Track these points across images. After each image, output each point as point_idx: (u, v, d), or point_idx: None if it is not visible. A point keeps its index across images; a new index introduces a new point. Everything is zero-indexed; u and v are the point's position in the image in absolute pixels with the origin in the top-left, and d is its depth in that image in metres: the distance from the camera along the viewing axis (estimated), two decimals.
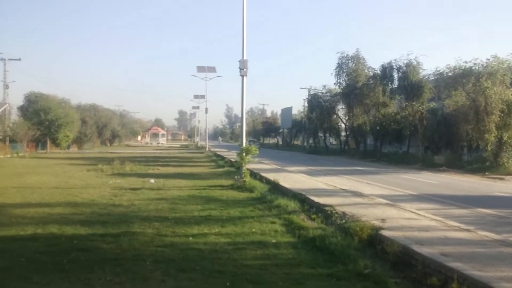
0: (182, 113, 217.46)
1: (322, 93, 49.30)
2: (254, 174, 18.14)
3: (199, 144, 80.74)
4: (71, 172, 21.16)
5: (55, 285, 5.24)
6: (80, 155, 39.52)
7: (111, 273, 5.68)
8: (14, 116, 47.20)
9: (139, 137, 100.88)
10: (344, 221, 8.81)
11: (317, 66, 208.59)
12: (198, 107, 77.32)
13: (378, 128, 39.35)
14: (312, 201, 11.39)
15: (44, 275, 5.54)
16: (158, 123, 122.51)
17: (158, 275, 5.67)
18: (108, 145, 71.32)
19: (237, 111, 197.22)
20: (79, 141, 54.19)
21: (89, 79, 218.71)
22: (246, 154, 16.31)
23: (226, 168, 24.79)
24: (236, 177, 16.44)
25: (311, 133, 57.37)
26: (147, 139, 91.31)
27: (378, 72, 39.00)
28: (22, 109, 44.59)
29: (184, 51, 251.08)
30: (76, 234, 7.88)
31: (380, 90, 38.03)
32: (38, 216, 9.48)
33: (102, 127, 64.36)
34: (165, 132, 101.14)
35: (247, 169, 16.61)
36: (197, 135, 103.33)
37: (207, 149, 54.26)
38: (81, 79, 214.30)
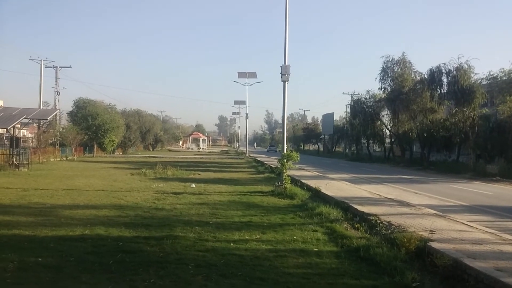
0: (222, 119, 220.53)
1: (366, 98, 48.29)
2: (295, 181, 17.97)
3: (239, 150, 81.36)
4: (116, 175, 21.87)
5: (102, 285, 5.35)
6: (125, 159, 40.84)
7: (155, 276, 5.74)
8: (64, 121, 49.70)
9: (181, 142, 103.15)
10: (389, 231, 8.48)
11: (359, 71, 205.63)
12: (238, 113, 78.09)
13: (425, 135, 37.94)
14: (356, 209, 11.09)
15: (92, 275, 5.69)
16: (199, 128, 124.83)
17: (200, 280, 5.67)
18: (151, 149, 73.39)
19: (277, 116, 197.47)
20: (123, 145, 56.11)
21: (134, 85, 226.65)
22: (287, 161, 16.17)
23: (266, 174, 24.76)
24: (276, 183, 16.35)
25: (354, 139, 56.36)
26: (188, 144, 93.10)
27: (426, 76, 37.61)
28: (71, 115, 46.82)
29: (226, 56, 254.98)
30: (121, 236, 8.07)
31: (427, 95, 36.65)
32: (85, 218, 9.81)
33: (145, 132, 66.36)
34: (205, 138, 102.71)
35: (288, 175, 16.46)
36: (237, 141, 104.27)
37: (247, 155, 54.54)
38: (126, 85, 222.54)
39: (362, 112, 47.15)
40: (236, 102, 68.46)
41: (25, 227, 8.53)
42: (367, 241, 7.85)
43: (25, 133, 47.97)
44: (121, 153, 54.47)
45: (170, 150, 78.69)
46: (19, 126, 27.70)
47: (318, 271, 6.23)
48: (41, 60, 45.46)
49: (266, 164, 32.82)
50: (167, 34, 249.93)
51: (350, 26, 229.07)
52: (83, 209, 10.97)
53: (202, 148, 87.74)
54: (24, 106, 28.17)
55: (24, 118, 24.37)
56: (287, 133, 18.26)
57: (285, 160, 16.16)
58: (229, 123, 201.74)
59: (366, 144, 56.54)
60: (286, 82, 17.15)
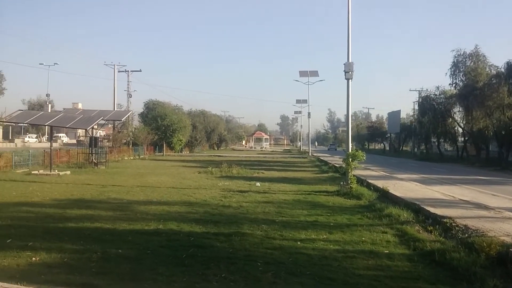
0: (284, 118, 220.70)
1: (435, 94, 45.80)
2: (360, 181, 17.53)
3: (301, 149, 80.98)
4: (185, 173, 22.77)
5: (177, 277, 5.63)
6: (191, 158, 42.36)
7: (225, 271, 5.92)
8: (136, 122, 52.60)
9: (244, 142, 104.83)
10: (466, 235, 8.00)
11: (428, 67, 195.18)
12: (300, 112, 77.97)
13: (503, 133, 35.21)
14: (428, 211, 10.58)
15: (167, 268, 6.00)
16: (261, 128, 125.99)
17: (269, 277, 5.75)
18: (216, 148, 75.39)
19: (339, 115, 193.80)
20: (190, 144, 58.22)
21: (199, 87, 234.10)
22: (352, 160, 15.82)
23: (330, 174, 24.41)
24: (341, 183, 16.06)
25: (422, 138, 53.68)
26: (251, 144, 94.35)
27: (503, 70, 34.90)
28: (142, 116, 49.49)
29: (287, 55, 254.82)
30: (192, 231, 8.41)
31: (505, 90, 33.96)
32: (158, 213, 10.34)
33: (210, 132, 68.32)
34: (268, 137, 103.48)
35: (353, 175, 16.11)
36: (299, 140, 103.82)
37: (310, 154, 54.11)
38: (192, 87, 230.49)
39: (432, 109, 44.79)
40: (298, 101, 68.38)
41: (105, 221, 9.19)
42: (442, 245, 7.46)
43: (101, 133, 51.47)
44: (188, 152, 56.54)
45: (233, 149, 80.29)
46: (96, 127, 29.76)
47: (389, 274, 6.04)
48: (114, 65, 48.55)
49: (330, 163, 32.34)
50: (229, 36, 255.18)
51: (416, 19, 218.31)
52: (156, 205, 11.57)
53: (265, 147, 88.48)
54: (98, 108, 30.21)
55: (101, 120, 26.14)
56: (351, 132, 17.83)
57: (350, 159, 15.82)
58: (291, 122, 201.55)
59: (436, 142, 53.64)
60: (350, 80, 16.78)
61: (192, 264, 6.19)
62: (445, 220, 9.29)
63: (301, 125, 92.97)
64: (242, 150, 79.23)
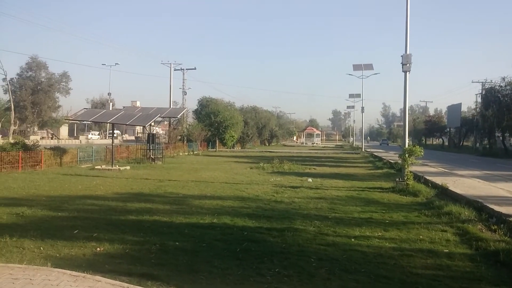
0: (336, 113, 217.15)
1: (501, 86, 42.90)
2: (417, 177, 16.86)
3: (354, 144, 79.25)
4: (237, 169, 23.11)
5: (232, 270, 5.76)
6: (243, 153, 42.88)
7: (279, 266, 5.97)
8: (190, 118, 54.07)
9: (295, 137, 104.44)
10: None
11: (490, 58, 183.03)
12: (353, 107, 76.26)
13: None
14: (492, 210, 9.98)
15: (222, 261, 6.16)
16: (312, 123, 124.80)
17: (323, 273, 5.72)
18: (267, 144, 75.75)
19: (394, 109, 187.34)
20: (242, 140, 58.95)
21: (251, 83, 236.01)
22: (409, 156, 15.24)
23: (385, 170, 23.71)
24: (397, 179, 15.56)
25: (486, 132, 50.54)
26: (302, 139, 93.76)
27: None
28: (196, 112, 50.82)
29: (340, 49, 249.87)
30: (245, 226, 8.54)
31: None
32: (213, 208, 10.60)
33: (261, 128, 68.72)
34: (319, 132, 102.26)
35: (410, 171, 15.53)
36: (352, 135, 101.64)
37: (363, 150, 52.86)
38: (244, 83, 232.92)
39: (497, 102, 42.05)
40: (351, 96, 66.77)
41: (163, 214, 9.57)
42: (507, 245, 7.03)
43: (158, 130, 53.45)
44: (239, 148, 57.29)
45: (285, 145, 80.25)
46: (153, 124, 30.95)
47: (450, 274, 5.79)
48: (170, 64, 50.11)
49: (385, 159, 31.39)
50: (281, 32, 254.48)
51: (478, 10, 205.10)
52: (210, 200, 11.86)
53: (316, 143, 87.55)
54: (155, 105, 31.40)
55: (158, 117, 27.14)
56: (407, 127, 17.17)
57: (407, 155, 15.25)
58: (343, 117, 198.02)
59: (500, 137, 50.26)
60: (408, 72, 16.16)
61: (246, 258, 6.30)
62: (511, 219, 8.73)
63: (354, 120, 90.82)
64: (293, 146, 78.97)
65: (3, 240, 6.94)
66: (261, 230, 8.11)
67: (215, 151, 45.98)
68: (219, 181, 16.82)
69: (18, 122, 59.64)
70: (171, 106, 46.50)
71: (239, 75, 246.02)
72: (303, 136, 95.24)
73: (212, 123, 47.25)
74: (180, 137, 44.72)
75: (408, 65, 15.92)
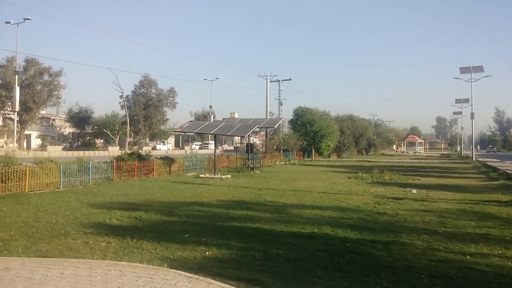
0: (440, 120, 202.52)
1: None
2: None
3: (462, 153, 72.86)
4: (334, 179, 22.74)
5: (336, 282, 5.68)
6: (340, 163, 42.04)
7: (386, 280, 5.73)
8: (286, 128, 54.71)
9: (394, 146, 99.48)
10: None
11: None
12: (460, 112, 70.53)
13: None
14: None
15: (326, 271, 6.10)
16: (414, 131, 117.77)
17: None
18: (364, 154, 73.30)
19: (510, 114, 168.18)
20: (338, 150, 57.89)
21: (346, 92, 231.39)
22: None
23: (501, 181, 21.38)
24: None
25: None
26: (403, 148, 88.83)
27: None
28: (292, 122, 51.25)
29: (444, 52, 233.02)
30: (347, 237, 8.37)
31: None
32: (312, 217, 10.57)
33: (358, 137, 66.83)
34: (422, 141, 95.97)
35: None
36: (459, 144, 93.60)
37: (473, 159, 48.31)
38: (339, 92, 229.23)
39: None
40: (458, 101, 61.86)
41: (264, 222, 9.81)
42: None
43: (255, 140, 55.05)
44: (336, 157, 56.32)
45: (383, 154, 76.87)
46: (251, 134, 31.95)
47: None
48: (266, 76, 51.50)
49: (500, 169, 28.31)
50: (378, 37, 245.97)
51: None
52: (309, 209, 11.85)
53: (419, 152, 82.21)
54: (252, 116, 32.42)
55: (256, 127, 27.98)
56: None
57: None
58: (448, 124, 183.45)
59: None
60: None
61: (350, 270, 6.17)
62: None
63: (462, 127, 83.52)
64: (393, 155, 75.20)
65: (125, 241, 7.73)
66: (365, 242, 7.87)
67: (311, 160, 45.81)
68: (317, 190, 16.72)
69: (132, 134, 66.18)
70: (268, 117, 47.57)
71: (334, 84, 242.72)
72: (404, 144, 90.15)
73: (307, 133, 47.26)
74: (276, 147, 45.50)
75: None
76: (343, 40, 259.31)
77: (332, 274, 5.99)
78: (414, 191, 16.58)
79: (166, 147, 71.99)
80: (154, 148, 61.74)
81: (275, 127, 40.90)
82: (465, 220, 10.40)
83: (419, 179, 22.69)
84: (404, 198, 14.53)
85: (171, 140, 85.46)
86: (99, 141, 73.48)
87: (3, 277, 5.45)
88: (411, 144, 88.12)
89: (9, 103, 51.36)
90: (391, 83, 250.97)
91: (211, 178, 21.84)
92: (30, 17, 47.52)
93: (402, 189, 17.30)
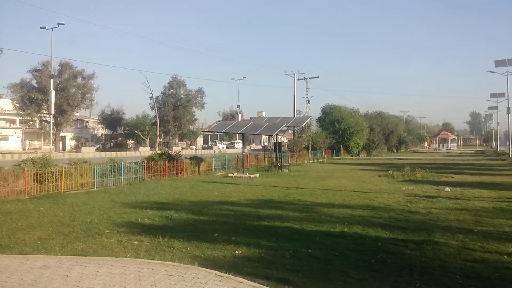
0: (474, 115, 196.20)
1: None
2: None
3: (498, 150, 70.21)
4: (364, 177, 22.41)
5: (367, 282, 5.60)
6: (369, 161, 41.38)
7: (419, 281, 5.61)
8: (313, 127, 54.31)
9: (426, 143, 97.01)
10: None
11: None
12: (495, 107, 67.95)
13: None
14: None
15: (357, 271, 6.03)
16: (446, 127, 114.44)
17: None
18: (394, 151, 71.85)
19: None
20: (367, 147, 56.98)
21: (375, 88, 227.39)
22: None
23: None
24: None
25: None
26: (435, 145, 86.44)
27: None
28: (320, 120, 50.82)
29: (478, 45, 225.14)
30: (378, 236, 8.24)
31: None
32: (342, 216, 10.46)
33: (388, 134, 65.56)
34: (455, 137, 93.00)
35: None
36: (495, 140, 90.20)
37: (510, 155, 46.47)
38: (367, 88, 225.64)
39: None
40: (493, 95, 59.59)
41: (293, 221, 9.78)
42: None
43: (282, 138, 54.92)
44: (365, 155, 55.47)
45: (415, 152, 75.10)
46: (278, 132, 31.89)
47: None
48: (293, 74, 51.23)
49: None
50: (407, 31, 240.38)
51: None
52: (339, 208, 11.73)
53: (452, 149, 79.78)
54: (279, 115, 32.29)
55: (284, 126, 27.91)
56: None
57: None
58: (483, 119, 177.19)
59: None
60: None
61: (382, 270, 6.07)
62: None
63: (498, 122, 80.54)
64: (425, 152, 73.35)
65: (157, 240, 7.89)
66: (396, 242, 7.73)
67: (340, 158, 45.29)
68: (346, 189, 16.52)
69: (162, 134, 67.40)
70: (295, 115, 47.38)
71: (363, 80, 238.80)
72: (436, 141, 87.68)
73: (336, 131, 46.77)
74: (304, 145, 45.24)
75: None
76: (372, 35, 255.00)
77: (363, 274, 5.91)
78: (448, 189, 16.13)
79: (221, 146, 74.59)
80: (209, 147, 65.40)
81: (303, 125, 40.59)
82: (502, 218, 10.05)
83: (452, 177, 22.03)
84: (437, 196, 14.17)
85: (199, 140, 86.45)
86: (130, 142, 75.24)
87: (42, 275, 5.67)
88: (444, 140, 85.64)
89: (45, 106, 53.20)
90: (423, 78, 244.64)
91: (240, 177, 21.96)
92: (63, 22, 49.02)
93: (435, 187, 16.86)
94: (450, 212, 10.98)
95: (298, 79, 51.69)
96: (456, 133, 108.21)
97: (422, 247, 7.33)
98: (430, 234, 8.33)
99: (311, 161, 39.35)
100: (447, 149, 78.30)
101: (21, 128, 65.27)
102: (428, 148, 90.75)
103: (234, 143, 79.21)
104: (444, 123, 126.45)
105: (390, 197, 14.10)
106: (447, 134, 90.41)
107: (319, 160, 40.89)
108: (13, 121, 65.81)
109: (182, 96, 69.49)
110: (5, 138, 61.43)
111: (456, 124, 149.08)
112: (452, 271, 5.98)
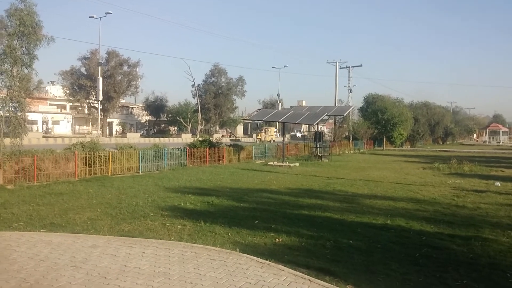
0: None
1: None
2: None
3: None
4: (407, 169, 21.78)
5: (412, 276, 5.47)
6: (413, 152, 40.11)
7: (467, 277, 5.42)
8: (355, 116, 53.19)
9: (475, 135, 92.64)
10: None
11: None
12: None
13: None
14: None
15: (400, 264, 5.90)
16: (497, 119, 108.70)
17: None
18: (440, 143, 69.26)
19: None
20: (411, 139, 55.23)
21: (421, 77, 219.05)
22: None
23: None
24: None
25: None
26: (484, 138, 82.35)
27: None
28: (362, 110, 49.69)
29: None
30: (423, 230, 8.01)
31: None
32: (384, 208, 10.24)
33: (434, 125, 63.22)
34: (507, 130, 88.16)
35: None
36: None
37: None
38: (413, 78, 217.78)
39: None
40: None
41: (334, 211, 9.70)
42: None
43: (323, 128, 54.28)
44: (409, 146, 53.82)
45: (462, 144, 71.93)
46: (318, 122, 31.51)
47: None
48: (336, 62, 50.21)
49: None
50: (452, 18, 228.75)
51: None
52: (381, 200, 11.48)
53: (503, 142, 75.73)
54: (320, 104, 31.90)
55: (325, 115, 27.53)
56: None
57: None
58: None
59: None
60: None
61: (427, 265, 5.91)
62: None
63: None
64: (473, 144, 70.07)
65: (199, 225, 8.07)
66: (442, 237, 7.48)
67: (382, 149, 44.20)
68: (389, 181, 16.13)
69: (203, 122, 68.48)
70: (337, 105, 46.56)
71: (408, 69, 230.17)
72: (485, 133, 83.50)
73: (379, 121, 45.59)
74: (345, 135, 44.45)
75: None
76: (417, 22, 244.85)
77: (407, 268, 5.78)
78: (498, 183, 15.37)
79: (300, 134, 75.53)
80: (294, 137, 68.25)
81: (345, 115, 39.79)
82: None
83: (503, 171, 20.97)
84: (486, 191, 13.56)
85: (240, 128, 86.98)
86: (173, 129, 76.98)
87: (92, 254, 5.96)
88: (494, 133, 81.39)
89: (93, 93, 55.37)
90: (472, 67, 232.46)
91: (279, 166, 21.96)
92: (111, 11, 50.41)
93: (484, 181, 16.13)
94: (501, 208, 10.49)
95: (340, 68, 50.62)
96: (507, 125, 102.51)
97: (470, 243, 7.06)
98: (479, 230, 7.99)
99: (352, 152, 38.69)
100: (498, 142, 74.43)
101: (71, 114, 68.40)
102: (477, 141, 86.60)
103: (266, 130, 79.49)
104: (495, 114, 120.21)
105: (435, 190, 13.64)
106: (498, 126, 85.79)
107: (361, 151, 40.12)
108: (64, 107, 68.96)
109: (223, 84, 70.04)
110: (56, 122, 64.72)
111: (508, 115, 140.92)
112: (502, 269, 5.73)
